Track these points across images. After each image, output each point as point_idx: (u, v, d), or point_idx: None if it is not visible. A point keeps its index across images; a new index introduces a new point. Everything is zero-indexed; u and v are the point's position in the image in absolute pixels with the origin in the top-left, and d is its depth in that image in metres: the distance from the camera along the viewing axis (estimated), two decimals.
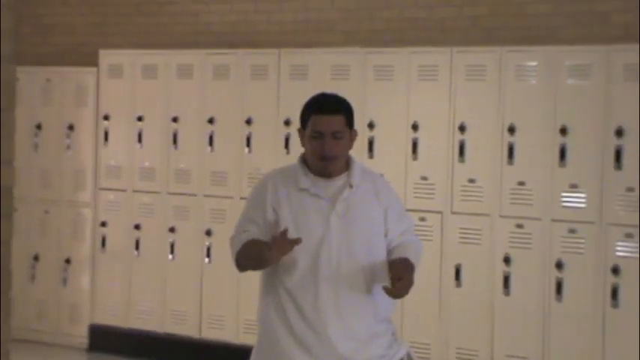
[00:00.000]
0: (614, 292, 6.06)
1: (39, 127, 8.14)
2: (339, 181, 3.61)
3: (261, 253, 3.43)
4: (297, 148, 6.91)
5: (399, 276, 3.40)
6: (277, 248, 3.41)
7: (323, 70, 7.00)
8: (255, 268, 3.59)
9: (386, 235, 3.62)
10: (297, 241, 3.42)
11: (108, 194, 7.87)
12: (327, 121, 3.55)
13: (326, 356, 3.50)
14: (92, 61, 8.00)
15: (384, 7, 7.19)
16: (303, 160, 3.66)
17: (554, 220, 6.27)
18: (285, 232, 3.44)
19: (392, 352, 3.61)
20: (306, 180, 3.59)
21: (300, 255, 3.51)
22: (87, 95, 7.98)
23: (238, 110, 7.32)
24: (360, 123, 7.08)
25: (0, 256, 4.36)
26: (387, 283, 3.45)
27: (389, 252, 3.61)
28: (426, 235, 6.50)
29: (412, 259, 3.56)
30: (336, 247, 3.53)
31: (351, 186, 3.60)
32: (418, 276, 6.46)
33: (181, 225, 7.54)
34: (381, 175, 3.93)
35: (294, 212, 3.55)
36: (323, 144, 3.54)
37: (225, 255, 7.28)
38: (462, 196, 6.55)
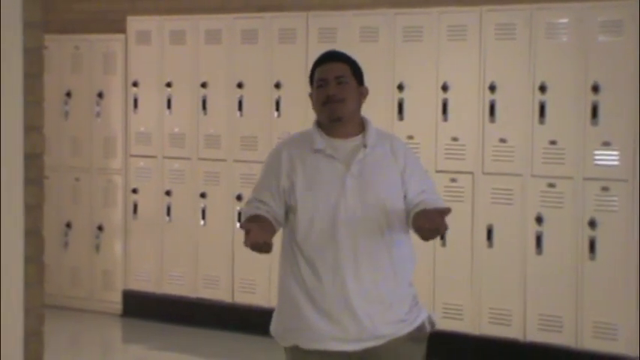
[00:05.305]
0: None
1: (69, 94, 8.16)
2: (355, 142, 3.55)
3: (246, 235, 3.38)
4: None
5: (442, 212, 3.30)
6: (253, 236, 3.34)
7: (352, 33, 6.95)
8: None
9: (405, 196, 3.52)
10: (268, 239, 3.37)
11: (138, 161, 7.89)
12: (328, 68, 3.55)
13: (347, 321, 3.46)
14: (120, 27, 7.99)
15: None
16: (318, 123, 3.61)
17: (586, 179, 6.22)
18: (259, 223, 3.39)
19: (412, 317, 3.54)
20: (322, 141, 3.54)
21: (317, 219, 3.47)
22: (115, 62, 7.99)
23: (267, 74, 7.30)
24: (389, 85, 7.16)
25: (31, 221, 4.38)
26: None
27: (410, 211, 3.50)
28: (457, 197, 6.47)
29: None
30: (352, 208, 3.47)
31: (365, 146, 3.53)
32: (450, 237, 6.49)
33: (212, 190, 7.55)
34: (398, 137, 3.79)
35: (309, 175, 3.51)
36: (327, 89, 3.52)
37: None
38: (493, 156, 6.50)
